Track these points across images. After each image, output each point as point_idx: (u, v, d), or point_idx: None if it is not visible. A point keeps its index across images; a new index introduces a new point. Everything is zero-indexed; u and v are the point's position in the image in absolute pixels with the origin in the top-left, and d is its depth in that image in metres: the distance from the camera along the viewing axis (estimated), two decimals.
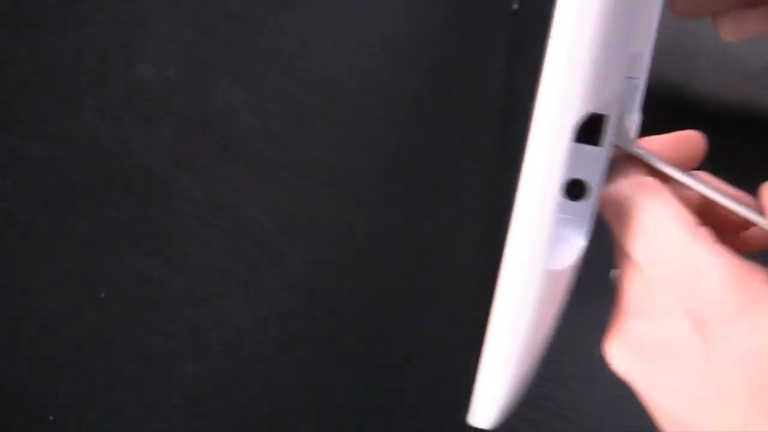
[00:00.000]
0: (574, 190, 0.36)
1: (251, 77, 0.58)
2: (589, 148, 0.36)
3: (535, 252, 0.34)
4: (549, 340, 0.40)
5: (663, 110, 0.53)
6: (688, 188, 0.36)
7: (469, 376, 0.41)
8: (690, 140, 0.37)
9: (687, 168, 0.37)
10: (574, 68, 0.31)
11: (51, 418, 0.55)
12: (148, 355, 0.55)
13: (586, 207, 0.36)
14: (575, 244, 0.36)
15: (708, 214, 0.36)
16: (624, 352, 0.35)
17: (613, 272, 0.37)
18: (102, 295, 0.56)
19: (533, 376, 0.40)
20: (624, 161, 0.36)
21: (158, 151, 0.58)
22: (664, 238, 0.33)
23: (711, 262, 0.32)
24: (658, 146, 0.37)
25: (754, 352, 0.31)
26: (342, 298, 0.55)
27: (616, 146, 0.36)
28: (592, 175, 0.36)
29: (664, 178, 0.36)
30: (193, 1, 0.59)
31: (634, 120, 0.38)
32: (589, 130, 0.35)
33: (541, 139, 0.32)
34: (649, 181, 0.34)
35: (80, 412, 0.55)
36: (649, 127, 0.39)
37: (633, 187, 0.34)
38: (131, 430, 0.55)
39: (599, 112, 0.35)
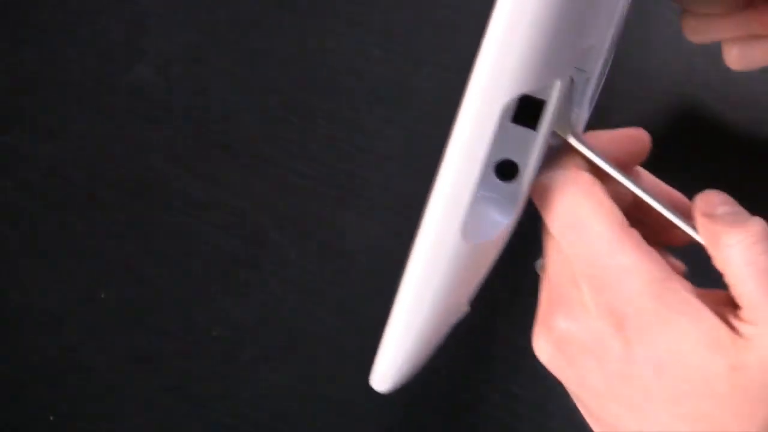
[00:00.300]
0: (506, 170, 0.36)
1: (251, 77, 0.58)
2: (525, 131, 0.36)
3: (451, 222, 0.34)
4: (458, 314, 0.40)
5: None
6: (624, 186, 0.36)
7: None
8: (635, 138, 0.38)
9: (631, 165, 0.37)
10: (510, 47, 0.31)
11: (51, 418, 0.55)
12: (148, 355, 0.55)
13: (515, 188, 0.36)
14: (498, 223, 0.36)
15: (644, 211, 0.36)
16: (548, 345, 0.35)
17: (539, 262, 0.37)
18: (102, 295, 0.56)
19: (436, 344, 0.40)
20: (567, 153, 0.36)
21: (158, 151, 0.58)
22: (593, 235, 0.33)
23: (636, 266, 0.32)
24: (603, 141, 0.37)
25: (671, 358, 0.31)
26: (342, 297, 0.55)
27: (558, 136, 0.36)
28: (525, 158, 0.36)
29: (604, 174, 0.36)
30: (193, 1, 0.59)
31: (582, 113, 0.38)
32: (530, 114, 0.35)
33: (470, 112, 0.32)
34: (585, 177, 0.34)
35: (80, 412, 0.55)
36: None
37: (568, 180, 0.34)
38: (131, 430, 0.55)
39: (536, 96, 0.35)
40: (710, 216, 0.33)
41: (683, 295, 0.32)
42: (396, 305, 0.38)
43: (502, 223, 0.36)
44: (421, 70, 0.56)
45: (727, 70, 0.47)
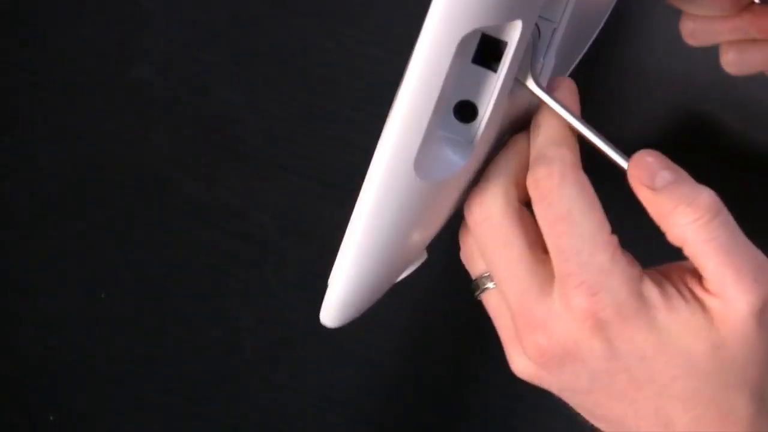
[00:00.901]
0: (466, 112, 0.36)
1: (251, 77, 0.58)
2: (486, 73, 0.36)
3: (404, 156, 0.34)
4: (413, 254, 0.39)
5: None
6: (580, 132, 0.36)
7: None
8: (570, 89, 0.37)
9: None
10: None
11: (51, 418, 0.55)
12: (148, 355, 0.55)
13: (473, 130, 0.36)
14: (454, 163, 0.36)
15: None
16: (529, 363, 0.35)
17: (481, 287, 0.37)
18: (102, 295, 0.56)
19: (388, 284, 0.40)
20: (562, 132, 0.36)
21: (158, 151, 0.58)
22: (581, 231, 0.33)
23: (614, 266, 0.33)
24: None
25: (655, 348, 0.32)
26: None
27: (520, 84, 0.36)
28: (484, 100, 0.36)
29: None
30: (193, 1, 0.59)
31: (548, 64, 0.38)
32: (492, 56, 0.35)
33: (427, 45, 0.33)
34: (578, 175, 0.34)
35: (80, 412, 0.55)
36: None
37: (567, 169, 0.34)
38: (131, 430, 0.55)
39: (493, 35, 0.34)
40: (653, 189, 0.33)
41: (657, 290, 0.33)
42: (346, 238, 0.38)
43: (458, 164, 0.36)
44: None
45: (726, 73, 0.47)
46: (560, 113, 0.36)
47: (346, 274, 0.38)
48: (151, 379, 0.55)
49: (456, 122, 0.36)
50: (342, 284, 0.39)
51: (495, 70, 0.35)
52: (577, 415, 0.37)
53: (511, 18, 0.33)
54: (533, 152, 0.35)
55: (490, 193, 0.36)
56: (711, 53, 0.48)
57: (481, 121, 0.36)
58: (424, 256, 0.40)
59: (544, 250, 0.34)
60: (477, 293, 0.37)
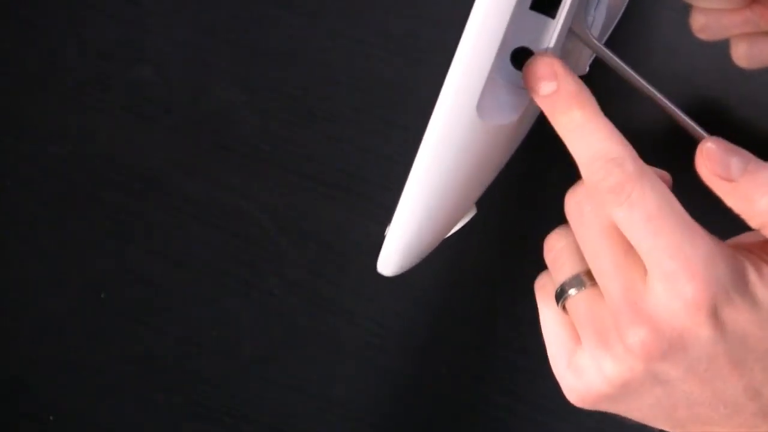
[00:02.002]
0: (522, 59, 0.37)
1: (251, 77, 0.58)
2: (543, 20, 0.36)
3: (467, 98, 0.35)
4: (466, 205, 0.40)
5: None
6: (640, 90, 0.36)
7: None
8: None
9: None
10: None
11: (51, 418, 0.55)
12: (148, 355, 0.55)
13: None
14: (513, 108, 0.37)
15: None
16: (618, 362, 0.34)
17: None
18: (102, 295, 0.56)
19: (442, 235, 0.40)
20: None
21: (158, 151, 0.58)
22: (674, 227, 0.33)
23: (715, 252, 0.33)
24: None
25: (755, 326, 0.33)
26: (342, 297, 0.55)
27: (574, 35, 0.36)
28: (541, 47, 0.36)
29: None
30: (193, 1, 0.59)
31: (598, 18, 0.38)
32: (548, 4, 0.36)
33: None
34: (651, 170, 0.34)
35: (80, 412, 0.55)
36: None
37: (639, 171, 0.34)
38: (131, 430, 0.55)
39: None
40: (729, 179, 0.33)
41: (752, 269, 0.33)
42: (407, 186, 0.38)
43: (516, 109, 0.37)
44: (421, 70, 0.56)
45: (728, 69, 0.47)
46: (617, 65, 0.36)
47: (407, 218, 0.38)
48: (151, 379, 0.55)
49: (513, 69, 0.37)
50: (403, 230, 0.38)
51: (553, 17, 0.36)
52: (579, 415, 0.37)
53: None
54: (588, 157, 0.34)
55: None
56: (712, 52, 0.48)
57: None
58: (474, 211, 0.40)
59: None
60: (563, 299, 0.36)
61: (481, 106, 0.35)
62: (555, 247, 0.37)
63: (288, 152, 0.56)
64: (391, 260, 0.39)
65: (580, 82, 0.35)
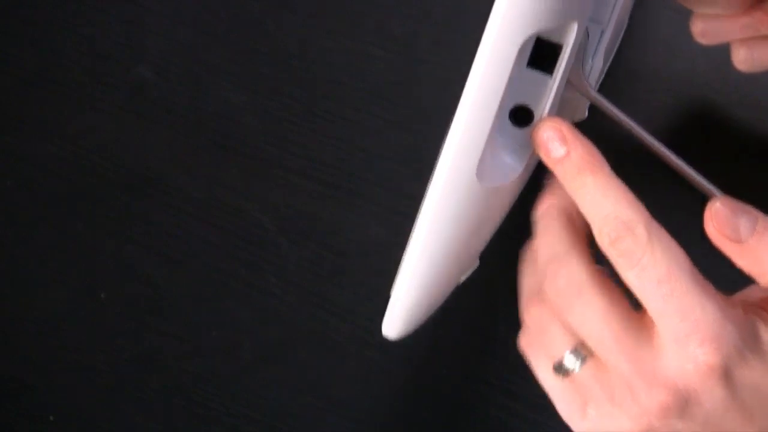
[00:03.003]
0: (521, 116, 0.36)
1: (251, 77, 0.58)
2: (540, 76, 0.36)
3: (466, 163, 0.35)
4: (468, 262, 0.40)
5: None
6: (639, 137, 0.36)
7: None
8: None
9: None
10: None
11: (51, 418, 0.55)
12: (148, 355, 0.55)
13: (527, 134, 0.36)
14: (512, 168, 0.36)
15: None
16: (635, 423, 0.34)
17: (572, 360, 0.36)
18: (102, 295, 0.56)
19: (445, 294, 0.40)
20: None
21: (158, 151, 0.58)
22: (687, 289, 0.33)
23: (726, 313, 0.33)
24: None
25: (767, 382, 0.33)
26: (342, 297, 0.55)
27: (571, 86, 0.36)
28: (539, 103, 0.36)
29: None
30: (193, 1, 0.59)
31: (596, 66, 0.38)
32: (546, 60, 0.35)
33: (487, 52, 0.33)
34: (663, 232, 0.34)
35: (80, 412, 0.55)
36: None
37: (650, 235, 0.33)
38: (131, 430, 0.55)
39: (550, 39, 0.35)
40: (737, 240, 0.33)
41: (763, 326, 0.33)
42: (409, 249, 0.38)
43: (516, 168, 0.36)
44: (421, 70, 0.56)
45: (728, 70, 0.47)
46: (615, 115, 0.36)
47: (410, 283, 0.39)
48: (151, 379, 0.55)
49: (512, 127, 0.37)
50: (407, 294, 0.39)
51: (550, 73, 0.35)
52: None
53: (569, 20, 0.33)
54: (599, 219, 0.34)
55: (573, 264, 0.35)
56: (712, 53, 0.48)
57: (537, 123, 0.36)
58: (477, 263, 0.40)
59: (628, 305, 0.34)
60: (563, 372, 0.36)
61: (480, 170, 0.35)
62: (540, 320, 0.37)
63: (288, 152, 0.56)
64: (396, 324, 0.40)
65: (590, 145, 0.35)
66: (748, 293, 0.35)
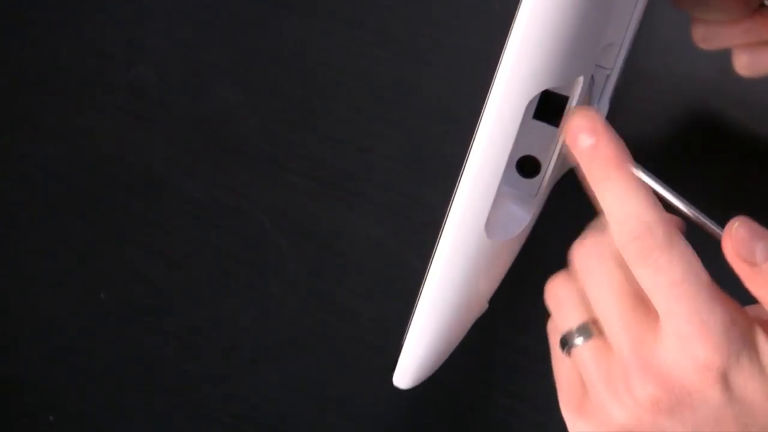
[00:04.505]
0: (528, 166, 0.37)
1: (251, 77, 0.58)
2: (547, 128, 0.36)
3: (475, 220, 0.35)
4: (479, 309, 0.40)
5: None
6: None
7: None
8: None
9: None
10: (533, 44, 0.32)
11: (51, 418, 0.55)
12: (148, 355, 0.55)
13: (536, 184, 0.36)
14: (520, 219, 0.37)
15: None
16: (627, 411, 0.35)
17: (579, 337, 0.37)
18: (102, 295, 0.56)
19: (457, 341, 0.40)
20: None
21: (158, 151, 0.58)
22: (697, 292, 0.33)
23: (733, 319, 0.33)
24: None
25: (763, 394, 0.33)
26: (342, 298, 0.55)
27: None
28: (546, 154, 0.36)
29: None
30: (193, 1, 0.59)
31: (603, 109, 0.38)
32: (552, 110, 0.36)
33: (496, 109, 0.33)
34: (681, 236, 0.34)
35: (80, 412, 0.55)
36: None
37: (669, 238, 0.34)
38: (131, 431, 0.55)
39: (558, 92, 0.35)
40: (753, 264, 0.33)
41: (765, 338, 0.34)
42: (419, 303, 0.38)
43: (523, 219, 0.37)
44: (421, 70, 0.56)
45: (728, 70, 0.47)
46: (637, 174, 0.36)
47: (422, 335, 0.39)
48: (151, 379, 0.55)
49: (519, 177, 0.37)
50: (419, 345, 0.40)
51: (556, 125, 0.36)
52: None
53: (575, 76, 0.34)
54: (620, 217, 0.34)
55: (604, 241, 0.35)
56: (712, 56, 0.48)
57: (544, 175, 0.36)
58: (486, 307, 0.41)
59: (644, 296, 0.35)
60: (567, 347, 0.37)
61: (489, 225, 0.35)
62: (558, 293, 0.37)
63: (288, 152, 0.56)
64: (407, 375, 0.40)
65: (620, 141, 0.35)
66: (759, 313, 0.35)
